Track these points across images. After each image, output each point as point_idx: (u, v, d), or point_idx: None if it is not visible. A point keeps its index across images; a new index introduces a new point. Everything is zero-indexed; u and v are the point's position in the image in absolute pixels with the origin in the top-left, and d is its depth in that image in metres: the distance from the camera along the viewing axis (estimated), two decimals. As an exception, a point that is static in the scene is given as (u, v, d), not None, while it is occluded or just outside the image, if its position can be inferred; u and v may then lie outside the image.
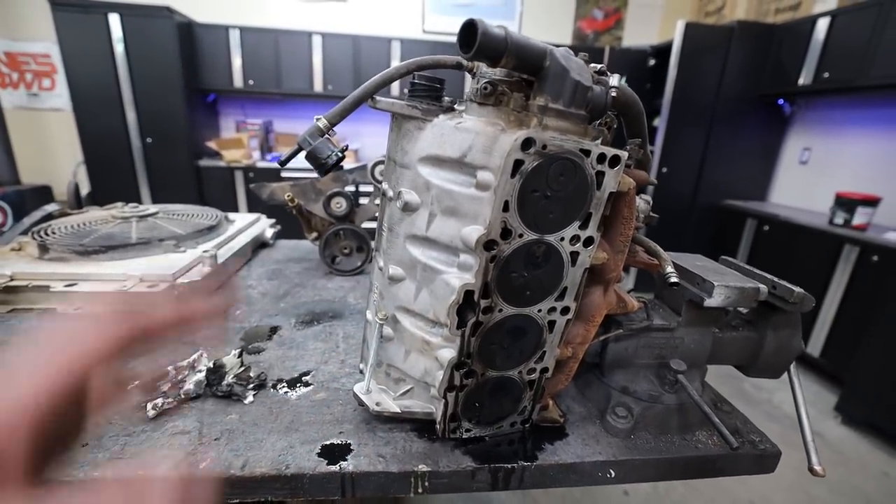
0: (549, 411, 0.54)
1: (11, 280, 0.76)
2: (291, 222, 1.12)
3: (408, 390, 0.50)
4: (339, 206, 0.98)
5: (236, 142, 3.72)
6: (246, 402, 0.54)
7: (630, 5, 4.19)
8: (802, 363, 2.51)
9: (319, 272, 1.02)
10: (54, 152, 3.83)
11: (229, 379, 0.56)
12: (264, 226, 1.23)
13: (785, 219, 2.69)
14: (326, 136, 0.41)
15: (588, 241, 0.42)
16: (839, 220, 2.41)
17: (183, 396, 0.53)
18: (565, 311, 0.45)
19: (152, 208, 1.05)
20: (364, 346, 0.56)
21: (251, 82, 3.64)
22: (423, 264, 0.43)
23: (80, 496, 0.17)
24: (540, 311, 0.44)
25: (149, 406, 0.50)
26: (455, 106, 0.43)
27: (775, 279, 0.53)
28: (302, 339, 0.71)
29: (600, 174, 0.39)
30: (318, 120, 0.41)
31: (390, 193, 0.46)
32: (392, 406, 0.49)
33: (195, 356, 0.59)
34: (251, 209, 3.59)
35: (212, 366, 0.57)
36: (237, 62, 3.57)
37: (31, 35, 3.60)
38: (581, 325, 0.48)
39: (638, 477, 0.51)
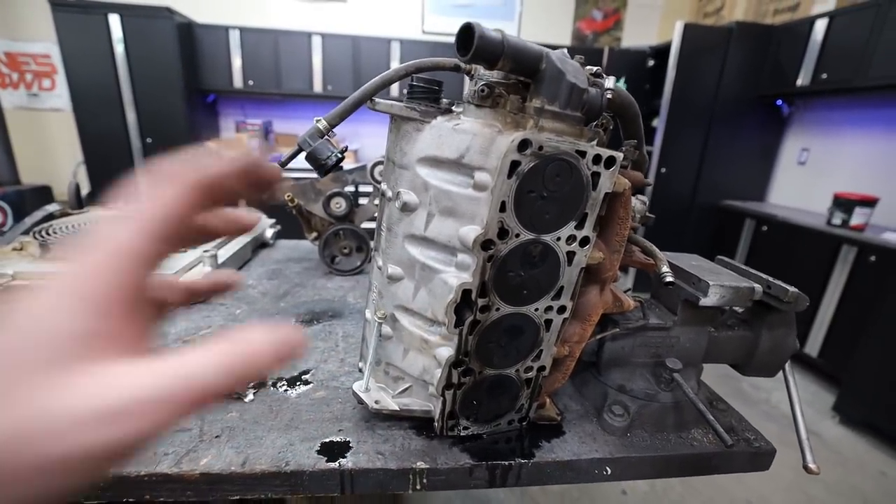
0: (546, 409, 0.54)
1: (13, 279, 0.76)
2: (291, 222, 1.12)
3: (406, 388, 0.50)
4: (339, 206, 0.98)
5: (236, 142, 3.73)
6: (246, 400, 0.55)
7: (629, 6, 4.20)
8: (800, 363, 2.51)
9: (319, 272, 1.03)
10: (54, 152, 3.84)
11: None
12: (264, 226, 1.24)
13: (783, 219, 2.69)
14: (326, 137, 0.42)
15: (584, 241, 0.42)
16: (837, 220, 2.41)
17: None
18: (562, 310, 0.45)
19: (153, 208, 1.06)
20: (363, 344, 0.56)
21: (251, 83, 3.64)
22: (422, 264, 0.44)
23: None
24: (537, 310, 0.44)
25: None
26: (453, 108, 0.43)
27: (770, 279, 0.53)
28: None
29: (596, 175, 0.39)
30: (317, 121, 0.41)
31: (389, 194, 0.46)
32: (391, 404, 0.50)
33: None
34: (251, 210, 3.59)
35: (212, 364, 0.57)
36: (237, 63, 3.58)
37: (31, 35, 3.61)
38: (578, 324, 0.49)
39: (634, 474, 0.51)
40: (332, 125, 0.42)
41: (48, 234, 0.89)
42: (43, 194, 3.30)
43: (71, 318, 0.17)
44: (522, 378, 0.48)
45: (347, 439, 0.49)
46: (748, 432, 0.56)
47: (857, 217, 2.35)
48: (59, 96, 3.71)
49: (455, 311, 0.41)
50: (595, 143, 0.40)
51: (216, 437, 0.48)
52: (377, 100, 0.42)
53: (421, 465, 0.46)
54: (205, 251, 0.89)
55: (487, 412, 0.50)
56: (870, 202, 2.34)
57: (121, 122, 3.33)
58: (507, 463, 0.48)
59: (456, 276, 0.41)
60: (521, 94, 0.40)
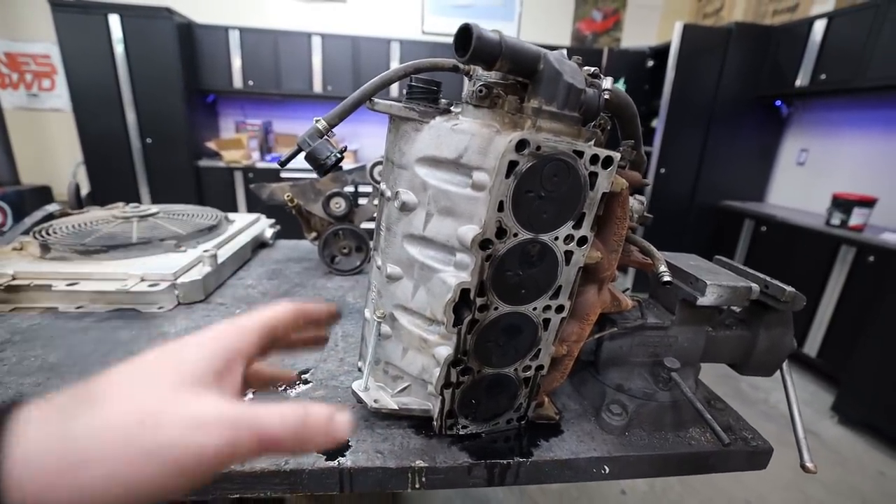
0: (544, 408, 0.55)
1: (13, 279, 0.76)
2: (291, 222, 1.13)
3: (405, 387, 0.50)
4: (339, 206, 0.99)
5: (236, 142, 3.73)
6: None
7: (629, 7, 4.20)
8: (799, 363, 2.52)
9: (319, 272, 1.03)
10: (54, 153, 3.84)
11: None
12: (264, 226, 1.24)
13: (782, 219, 2.70)
14: (325, 137, 0.42)
15: (582, 241, 0.42)
16: (836, 220, 2.42)
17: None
18: (560, 309, 0.45)
19: (153, 208, 1.06)
20: (362, 344, 0.56)
21: (251, 83, 3.64)
22: (421, 263, 0.44)
23: None
24: (535, 309, 0.44)
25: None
26: (451, 108, 0.44)
27: (767, 278, 0.54)
28: (301, 338, 0.72)
29: (593, 175, 0.40)
30: (317, 121, 0.42)
31: (388, 193, 0.46)
32: (390, 403, 0.50)
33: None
34: (251, 209, 3.60)
35: (212, 364, 0.57)
36: (237, 63, 3.58)
37: (31, 35, 3.61)
38: (576, 324, 0.49)
39: (632, 473, 0.51)
40: (332, 125, 0.42)
41: (48, 233, 0.89)
42: (43, 194, 3.30)
43: (207, 357, 0.25)
44: (521, 377, 0.49)
45: (346, 438, 0.49)
46: (746, 431, 0.56)
47: (856, 217, 2.35)
48: (59, 96, 3.71)
49: (454, 310, 0.41)
50: (593, 143, 0.40)
51: (216, 435, 0.48)
52: (376, 100, 0.43)
53: (420, 463, 0.46)
54: (205, 251, 0.89)
55: (486, 411, 0.50)
56: (868, 202, 2.34)
57: (120, 123, 3.33)
58: (505, 462, 0.48)
59: (454, 275, 0.41)
60: (519, 94, 0.40)
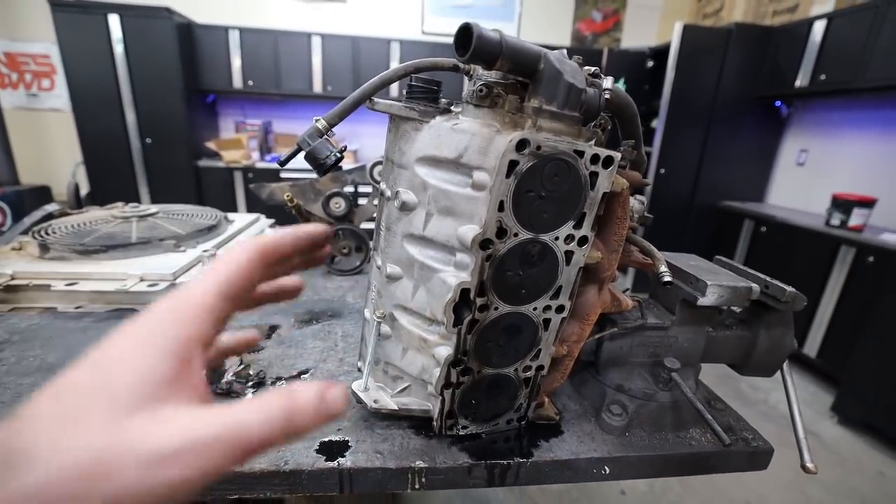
0: (544, 409, 0.55)
1: (12, 279, 0.76)
2: (291, 222, 1.12)
3: (405, 388, 0.50)
4: (338, 206, 0.99)
5: (235, 142, 3.72)
6: (245, 399, 0.55)
7: (628, 7, 4.20)
8: (799, 364, 2.52)
9: (318, 272, 1.03)
10: (53, 153, 3.84)
11: (228, 377, 0.57)
12: (264, 226, 1.24)
13: (782, 220, 2.70)
14: (325, 136, 0.42)
15: (582, 241, 0.42)
16: (836, 221, 2.42)
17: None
18: (560, 309, 0.45)
19: (152, 208, 1.06)
20: (362, 344, 0.56)
21: (250, 83, 3.64)
22: (421, 263, 0.44)
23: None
24: (535, 309, 0.44)
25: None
26: (452, 108, 0.43)
27: (768, 278, 0.54)
28: (301, 338, 0.72)
29: (594, 175, 0.40)
30: (317, 121, 0.42)
31: (388, 193, 0.46)
32: (390, 403, 0.50)
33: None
34: (250, 209, 3.60)
35: (211, 364, 0.57)
36: (236, 63, 3.58)
37: (31, 35, 3.61)
38: (576, 324, 0.49)
39: (632, 473, 0.51)
40: (332, 125, 0.42)
41: (47, 233, 0.89)
42: (42, 194, 3.30)
43: (148, 363, 0.19)
44: (521, 377, 0.49)
45: (346, 438, 0.49)
46: (746, 432, 0.56)
47: (856, 218, 2.35)
48: (59, 96, 3.71)
49: (454, 310, 0.41)
50: (593, 142, 0.40)
51: (215, 436, 0.48)
52: (376, 99, 0.42)
53: (420, 464, 0.46)
54: (204, 251, 0.89)
55: (486, 411, 0.50)
56: (868, 203, 2.34)
57: (120, 123, 3.33)
58: (505, 462, 0.48)
59: (454, 275, 0.41)
60: (519, 94, 0.40)
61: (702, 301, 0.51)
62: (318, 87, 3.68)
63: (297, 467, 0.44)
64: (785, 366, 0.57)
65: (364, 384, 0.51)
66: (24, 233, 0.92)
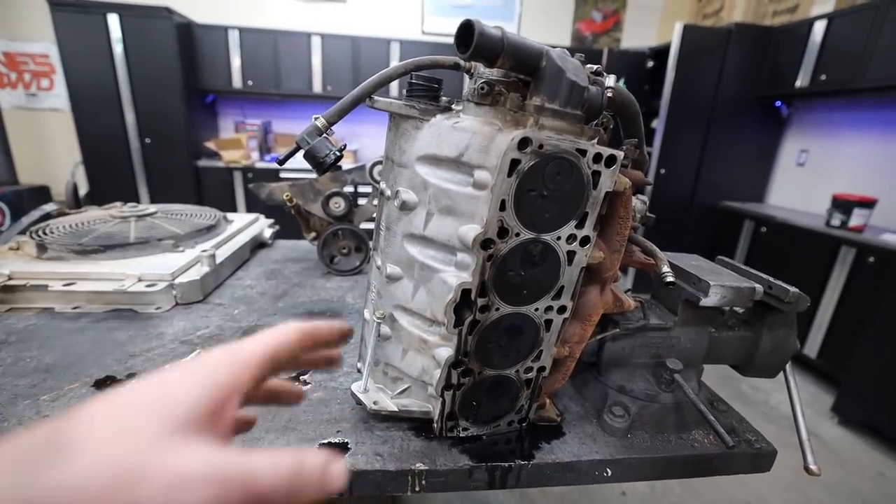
0: (546, 410, 0.54)
1: (9, 279, 0.76)
2: (290, 222, 1.12)
3: (405, 389, 0.50)
4: (338, 206, 0.98)
5: (235, 142, 3.72)
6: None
7: (628, 7, 4.20)
8: (799, 364, 2.51)
9: (318, 272, 1.02)
10: (52, 152, 3.83)
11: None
12: (263, 226, 1.23)
13: (782, 220, 2.69)
14: (325, 135, 0.41)
15: (584, 241, 0.42)
16: (836, 221, 2.42)
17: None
18: (562, 310, 0.45)
19: (151, 208, 1.06)
20: (362, 345, 0.56)
21: (250, 83, 3.64)
22: (421, 263, 0.43)
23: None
24: (537, 309, 0.44)
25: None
26: (452, 106, 0.43)
27: (771, 279, 0.53)
28: (300, 339, 0.71)
29: (596, 174, 0.39)
30: (316, 119, 0.41)
31: (388, 192, 0.46)
32: (390, 405, 0.49)
33: (193, 355, 0.59)
34: (250, 209, 3.59)
35: (210, 365, 0.57)
36: (236, 63, 3.57)
37: (30, 35, 3.60)
38: (578, 325, 0.49)
39: (635, 476, 0.51)
40: (331, 123, 0.42)
41: (45, 233, 0.88)
42: (41, 194, 3.29)
43: (197, 394, 0.22)
44: (522, 379, 0.48)
45: (346, 440, 0.48)
46: (749, 433, 0.56)
47: (856, 218, 2.35)
48: (58, 96, 3.70)
49: (454, 310, 0.41)
50: (596, 141, 0.40)
51: (213, 438, 0.47)
52: (376, 98, 0.42)
53: (420, 466, 0.45)
54: (203, 251, 0.88)
55: (487, 413, 0.49)
56: (868, 203, 2.34)
57: (119, 123, 3.32)
58: (506, 464, 0.47)
59: (455, 275, 0.41)
60: (521, 92, 0.39)
61: (704, 301, 0.50)
62: (317, 87, 3.67)
63: (296, 470, 0.43)
64: (788, 367, 0.57)
65: (364, 385, 0.51)
66: (22, 233, 0.91)
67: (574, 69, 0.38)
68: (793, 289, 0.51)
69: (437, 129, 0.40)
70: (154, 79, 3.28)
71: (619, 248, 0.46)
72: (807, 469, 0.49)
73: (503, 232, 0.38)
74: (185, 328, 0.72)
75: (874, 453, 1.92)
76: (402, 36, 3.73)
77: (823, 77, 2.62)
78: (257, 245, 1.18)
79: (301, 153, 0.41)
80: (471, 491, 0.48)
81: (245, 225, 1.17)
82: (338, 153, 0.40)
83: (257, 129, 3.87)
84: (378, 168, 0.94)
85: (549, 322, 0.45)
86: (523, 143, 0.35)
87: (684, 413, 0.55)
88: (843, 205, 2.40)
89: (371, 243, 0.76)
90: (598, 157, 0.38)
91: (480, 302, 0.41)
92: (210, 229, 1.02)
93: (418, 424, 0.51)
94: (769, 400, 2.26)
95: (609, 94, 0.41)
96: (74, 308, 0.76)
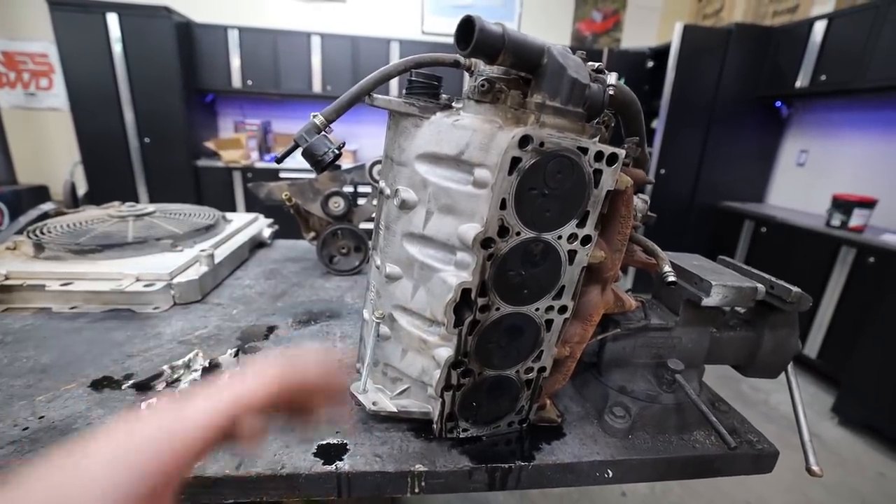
0: (546, 411, 0.54)
1: (6, 279, 0.75)
2: (289, 222, 1.11)
3: (405, 389, 0.49)
4: (337, 205, 0.98)
5: (234, 142, 3.71)
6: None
7: (628, 7, 4.20)
8: (799, 364, 2.51)
9: (317, 272, 1.02)
10: (51, 152, 3.82)
11: (225, 378, 0.56)
12: (262, 225, 1.23)
13: (782, 220, 2.69)
14: (323, 132, 0.41)
15: (586, 240, 0.41)
16: (836, 221, 2.41)
17: (178, 396, 0.53)
18: (563, 309, 0.44)
19: (149, 207, 1.05)
20: (361, 345, 0.55)
21: (250, 83, 3.63)
22: (421, 262, 0.43)
23: None
24: (537, 309, 0.43)
25: (143, 405, 0.50)
26: (452, 103, 0.43)
27: (773, 279, 0.53)
28: (299, 339, 0.71)
29: (598, 172, 0.39)
30: (314, 117, 0.41)
31: (387, 191, 0.46)
32: (389, 405, 0.49)
33: (191, 355, 0.59)
34: (249, 210, 3.58)
35: (207, 365, 0.56)
36: (236, 62, 3.57)
37: (29, 34, 3.59)
38: (579, 325, 0.48)
39: (636, 477, 0.50)
40: (330, 120, 0.41)
41: (42, 233, 0.88)
42: (40, 194, 3.28)
43: (129, 481, 0.20)
44: (523, 379, 0.48)
45: (345, 441, 0.48)
46: (751, 434, 0.55)
47: (856, 218, 2.34)
48: (57, 96, 3.69)
49: (454, 310, 0.40)
50: (597, 139, 0.39)
51: (210, 439, 0.47)
52: (375, 95, 0.42)
53: (419, 467, 0.45)
54: (201, 250, 0.88)
55: (487, 414, 0.49)
56: (868, 203, 2.34)
57: (118, 122, 3.31)
58: (506, 465, 0.47)
59: (455, 274, 0.40)
60: (521, 89, 0.39)
61: (706, 301, 0.50)
62: (317, 86, 3.67)
63: (294, 471, 0.43)
64: (789, 367, 0.57)
65: (363, 386, 0.50)
66: (19, 232, 0.91)
67: (575, 66, 0.37)
68: (795, 289, 0.50)
69: (437, 126, 0.40)
70: (153, 78, 3.28)
71: (620, 248, 0.45)
72: (809, 470, 0.49)
73: (503, 231, 0.38)
74: (183, 328, 0.72)
75: (874, 453, 1.91)
76: (402, 36, 3.72)
77: (823, 77, 2.62)
78: (256, 245, 1.18)
79: (300, 151, 0.41)
80: (471, 492, 0.47)
81: (244, 224, 1.17)
82: (336, 151, 0.40)
83: (257, 129, 3.87)
84: (378, 167, 0.93)
85: (549, 322, 0.45)
86: (524, 141, 0.35)
87: (686, 414, 0.54)
88: (843, 205, 2.39)
89: (370, 243, 0.75)
90: (599, 156, 0.38)
91: (480, 302, 0.41)
92: (209, 229, 1.02)
93: (418, 425, 0.51)
94: (769, 400, 2.26)
95: (611, 92, 0.41)
96: (72, 308, 0.75)
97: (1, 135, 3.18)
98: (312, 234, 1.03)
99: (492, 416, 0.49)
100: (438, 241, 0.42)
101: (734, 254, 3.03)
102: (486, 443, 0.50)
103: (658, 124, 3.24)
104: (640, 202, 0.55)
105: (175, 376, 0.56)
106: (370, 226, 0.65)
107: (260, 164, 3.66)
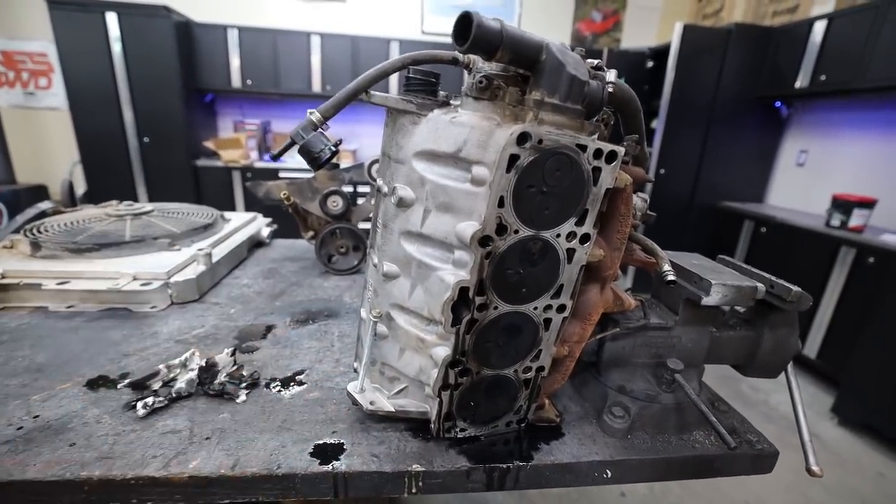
0: (545, 411, 0.53)
1: (2, 278, 0.75)
2: (288, 222, 1.11)
3: (402, 389, 0.49)
4: (336, 204, 0.97)
5: (234, 142, 3.71)
6: (238, 401, 0.53)
7: (628, 7, 4.20)
8: (799, 365, 2.51)
9: (315, 271, 1.01)
10: (50, 152, 3.81)
11: (222, 378, 0.55)
12: (260, 225, 1.23)
13: (782, 220, 2.69)
14: (320, 129, 0.41)
15: (584, 238, 0.41)
16: (836, 221, 2.41)
17: (174, 395, 0.52)
18: (561, 308, 0.44)
19: (147, 206, 1.05)
20: (358, 344, 0.55)
21: (249, 82, 3.63)
22: (418, 261, 0.43)
23: None
24: (536, 308, 0.43)
25: (139, 405, 0.50)
26: (450, 101, 0.42)
27: (773, 278, 0.53)
28: (297, 338, 0.70)
29: (597, 170, 0.38)
30: (311, 113, 0.40)
31: (385, 189, 0.45)
32: (386, 405, 0.48)
33: (187, 355, 0.58)
34: (249, 210, 3.58)
35: (204, 364, 0.56)
36: (235, 62, 3.57)
37: (28, 34, 3.59)
38: (577, 324, 0.48)
39: (635, 477, 0.50)
40: (326, 117, 0.41)
41: (39, 231, 0.87)
42: (39, 193, 3.28)
43: None
44: (521, 378, 0.47)
45: (341, 441, 0.47)
46: (750, 434, 0.55)
47: (856, 218, 2.34)
48: (56, 95, 3.69)
49: (452, 309, 0.40)
50: (596, 137, 0.39)
51: (206, 438, 0.47)
52: (373, 92, 0.41)
53: (417, 467, 0.45)
54: (199, 249, 0.87)
55: (485, 413, 0.49)
56: (868, 203, 2.33)
57: (118, 122, 3.31)
58: (505, 465, 0.46)
59: (453, 273, 0.40)
60: (520, 86, 0.39)
61: (706, 301, 0.49)
62: (317, 86, 3.67)
63: (290, 471, 0.43)
64: (789, 367, 0.56)
65: (360, 385, 0.50)
66: (17, 231, 0.90)
67: (574, 63, 0.37)
68: (795, 288, 0.50)
69: (435, 124, 0.39)
70: (153, 78, 3.27)
71: (619, 246, 0.45)
72: (809, 470, 0.48)
73: (502, 229, 0.38)
74: (180, 327, 0.71)
75: (874, 454, 1.91)
76: (402, 35, 3.72)
77: (823, 77, 2.62)
78: (255, 244, 1.18)
79: (296, 148, 0.40)
80: (469, 492, 0.47)
81: (242, 224, 1.16)
82: (333, 148, 0.40)
83: (256, 129, 3.86)
84: (376, 166, 0.93)
85: (548, 321, 0.44)
86: (522, 138, 0.35)
87: (685, 413, 0.54)
88: (842, 205, 2.39)
89: (368, 241, 0.75)
90: (598, 153, 0.38)
91: (478, 300, 0.40)
92: (207, 228, 1.01)
93: (415, 425, 0.50)
94: (769, 400, 2.26)
95: (610, 90, 0.41)
96: (68, 307, 0.75)
97: (0, 134, 3.17)
98: (311, 233, 1.02)
99: (490, 416, 0.49)
100: (436, 240, 0.41)
101: (734, 254, 3.03)
102: (484, 443, 0.49)
103: (658, 124, 3.24)
104: (639, 201, 0.54)
105: (171, 375, 0.56)
106: (369, 225, 0.65)
107: (259, 164, 3.66)
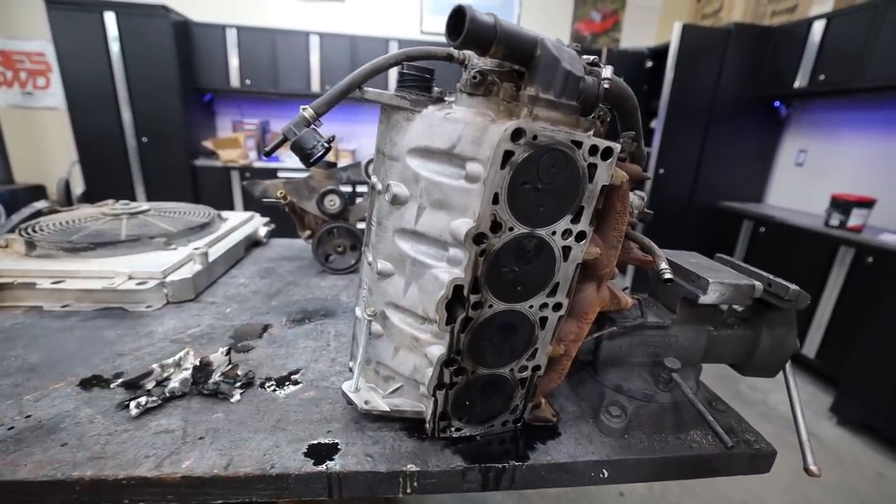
0: (541, 410, 0.53)
1: (-3, 277, 0.74)
2: (285, 221, 1.11)
3: (397, 388, 0.49)
4: (333, 203, 0.97)
5: (233, 141, 3.70)
6: (232, 400, 0.53)
7: (628, 7, 4.20)
8: (798, 364, 2.51)
9: (312, 270, 1.01)
10: (49, 151, 3.81)
11: (216, 377, 0.55)
12: (258, 224, 1.22)
13: (781, 220, 2.69)
14: (312, 126, 0.40)
15: (580, 236, 0.41)
16: (835, 221, 2.41)
17: (168, 395, 0.52)
18: (557, 307, 0.44)
19: (143, 206, 1.04)
20: (354, 343, 0.55)
21: (248, 82, 3.62)
22: (412, 259, 0.42)
23: None
24: (531, 307, 0.43)
25: (132, 404, 0.49)
26: (445, 97, 0.42)
27: (770, 276, 0.52)
28: (293, 338, 0.70)
29: (592, 166, 0.38)
30: (303, 110, 0.40)
31: (379, 186, 0.45)
32: (381, 404, 0.48)
33: (182, 354, 0.58)
34: (247, 209, 3.57)
35: (198, 364, 0.55)
36: (234, 62, 3.56)
37: (26, 33, 3.58)
38: (574, 322, 0.47)
39: (632, 477, 0.50)
40: (319, 114, 0.40)
41: (34, 231, 0.87)
42: (37, 193, 3.28)
43: None
44: (517, 378, 0.47)
45: (336, 441, 0.47)
46: (748, 433, 0.55)
47: (855, 218, 2.34)
48: (54, 95, 3.68)
49: (446, 307, 0.40)
50: (591, 133, 0.39)
51: (200, 438, 0.46)
52: (366, 88, 0.41)
53: (412, 467, 0.44)
54: (195, 248, 0.87)
55: (481, 413, 0.48)
56: (867, 203, 2.33)
57: (116, 121, 3.30)
58: (500, 465, 0.46)
59: (447, 271, 0.40)
60: (515, 82, 0.38)
61: (703, 299, 0.49)
62: (315, 86, 3.66)
63: (284, 471, 0.42)
64: (787, 366, 0.56)
65: (355, 385, 0.49)
66: (12, 230, 0.90)
67: (570, 59, 0.37)
68: (793, 286, 0.50)
69: (429, 120, 0.39)
70: (151, 77, 3.27)
71: (615, 244, 0.45)
72: (807, 470, 0.48)
73: (496, 226, 0.37)
74: (175, 327, 0.71)
75: (873, 453, 1.91)
76: (401, 35, 3.72)
77: (822, 77, 2.62)
78: (252, 243, 1.17)
79: (288, 145, 0.40)
80: (465, 493, 0.47)
81: (239, 223, 1.16)
82: (326, 145, 0.39)
83: (255, 129, 3.86)
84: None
85: (544, 320, 0.44)
86: (517, 135, 0.34)
87: (682, 413, 0.54)
88: (841, 205, 2.39)
89: (363, 239, 0.75)
90: (594, 150, 0.37)
91: (473, 298, 0.40)
92: (203, 227, 1.01)
93: (410, 425, 0.50)
94: (767, 400, 2.25)
95: (606, 86, 0.40)
96: (63, 306, 0.74)
97: (-2, 134, 3.17)
98: (308, 232, 1.02)
99: (485, 416, 0.49)
100: (430, 237, 0.41)
101: (733, 254, 3.03)
102: (480, 442, 0.49)
103: (657, 124, 3.24)
104: (636, 199, 0.54)
105: (165, 375, 0.55)
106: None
107: (258, 164, 3.65)
